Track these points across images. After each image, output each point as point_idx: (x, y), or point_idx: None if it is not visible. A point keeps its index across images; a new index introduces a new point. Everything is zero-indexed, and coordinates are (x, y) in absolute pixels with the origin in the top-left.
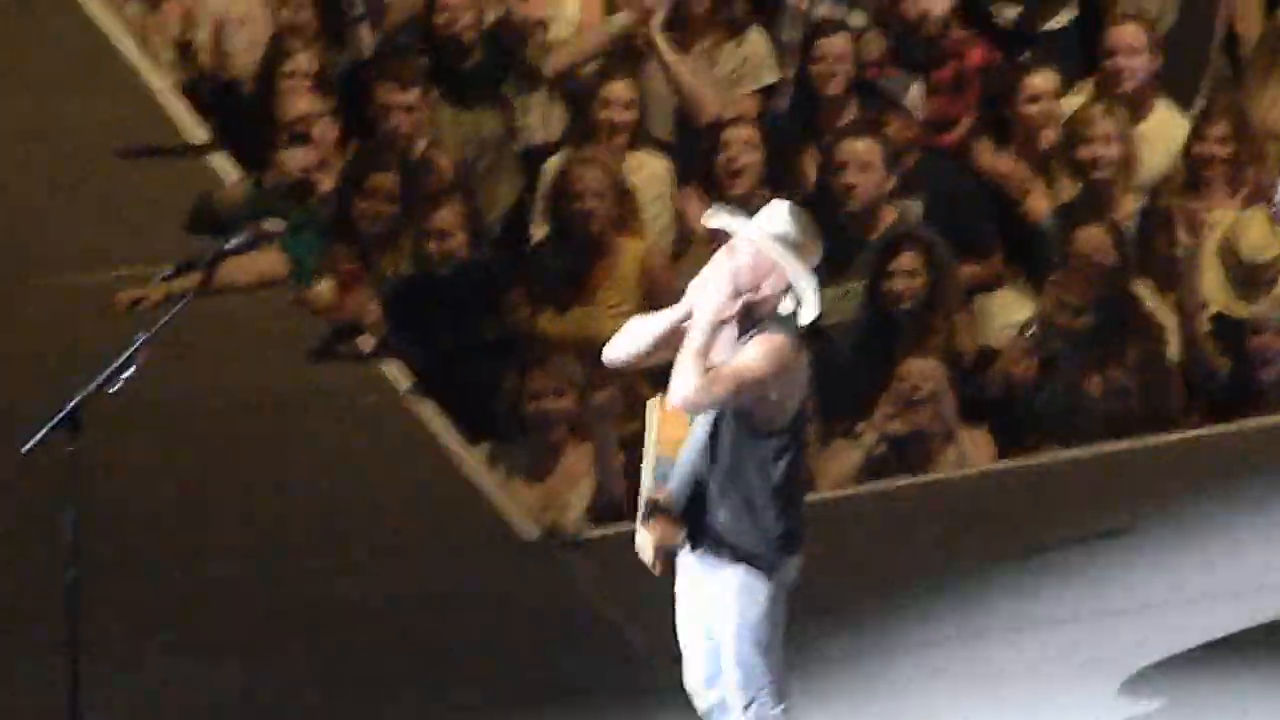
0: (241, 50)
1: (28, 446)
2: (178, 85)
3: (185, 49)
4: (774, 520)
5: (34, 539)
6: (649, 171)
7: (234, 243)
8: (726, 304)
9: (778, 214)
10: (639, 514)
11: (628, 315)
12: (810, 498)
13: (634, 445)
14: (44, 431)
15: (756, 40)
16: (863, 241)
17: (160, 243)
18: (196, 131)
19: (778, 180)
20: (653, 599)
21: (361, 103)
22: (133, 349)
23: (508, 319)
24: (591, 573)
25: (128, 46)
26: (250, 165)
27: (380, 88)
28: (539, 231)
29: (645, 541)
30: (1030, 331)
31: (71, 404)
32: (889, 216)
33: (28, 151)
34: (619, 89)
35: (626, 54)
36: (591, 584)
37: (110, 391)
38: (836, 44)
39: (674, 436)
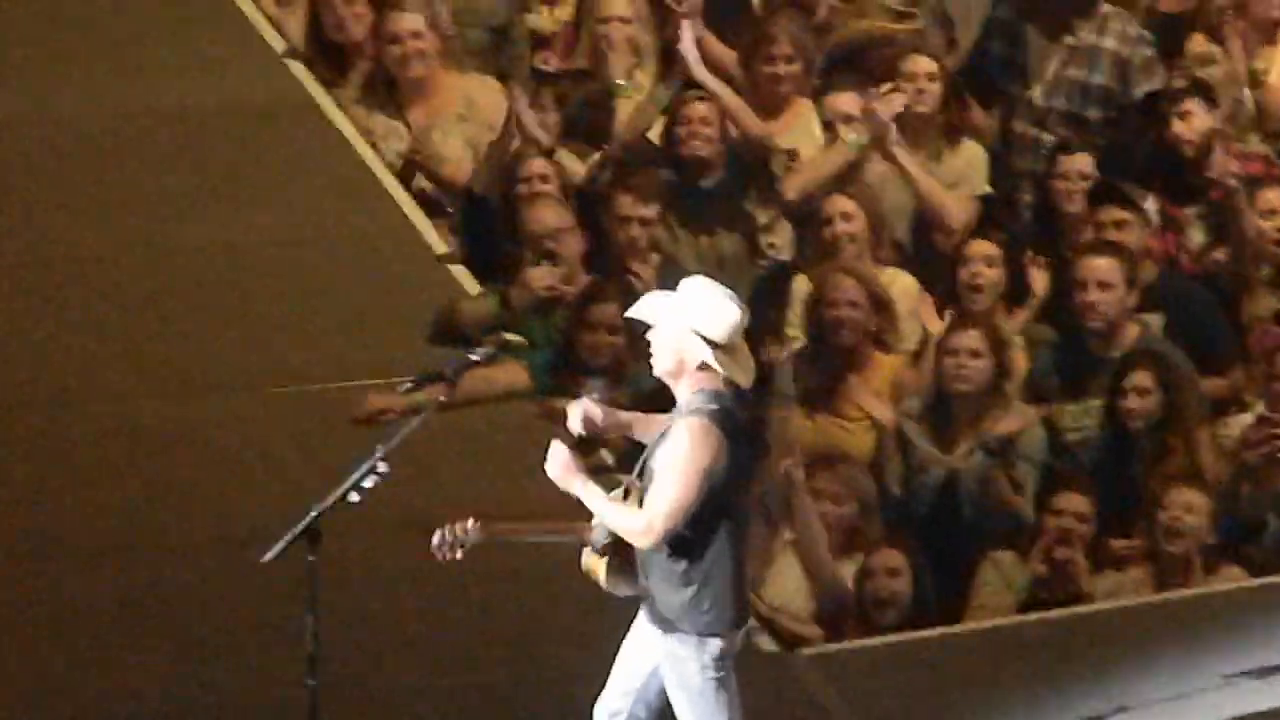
0: (484, 161)
1: (268, 557)
2: (420, 196)
3: (429, 159)
4: (692, 599)
5: (275, 648)
6: (900, 287)
7: (477, 355)
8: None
9: (692, 303)
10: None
11: (873, 429)
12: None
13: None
14: (284, 542)
15: (973, 150)
16: (1102, 358)
17: (403, 353)
18: (438, 243)
19: (1014, 295)
20: (887, 712)
21: (599, 216)
22: (372, 460)
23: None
24: (825, 684)
25: (372, 157)
26: (494, 277)
27: (620, 200)
28: (788, 346)
29: (468, 528)
30: None
31: (311, 515)
32: (1130, 333)
33: (273, 261)
34: (843, 202)
35: (851, 165)
36: (825, 695)
37: (351, 503)
38: (1079, 162)
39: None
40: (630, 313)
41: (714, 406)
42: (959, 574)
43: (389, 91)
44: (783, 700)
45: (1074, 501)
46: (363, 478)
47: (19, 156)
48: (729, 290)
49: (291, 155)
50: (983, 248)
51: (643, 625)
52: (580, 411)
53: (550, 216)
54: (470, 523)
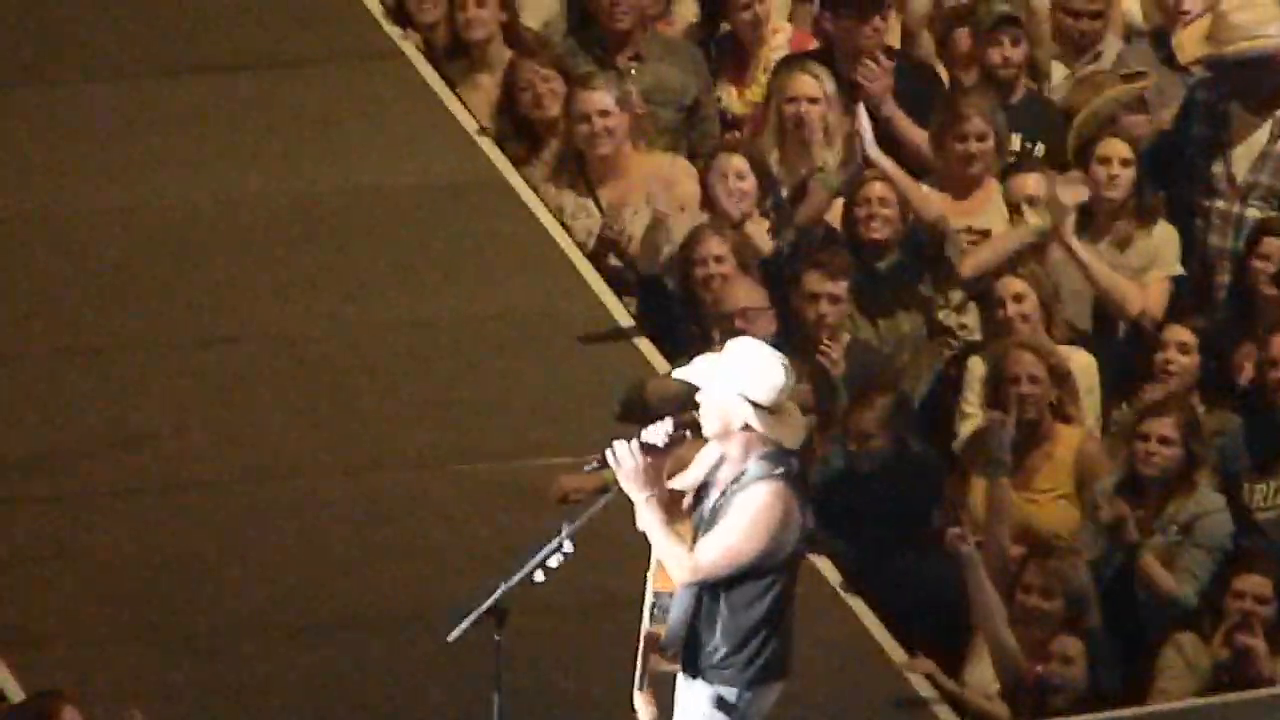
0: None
1: (453, 635)
2: (609, 273)
3: (618, 237)
4: (748, 655)
5: None
6: (1078, 364)
7: (657, 434)
8: (638, 465)
9: (738, 365)
10: (639, 659)
11: (1062, 501)
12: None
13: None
14: (469, 620)
15: (1165, 231)
16: None
17: (591, 431)
18: (627, 320)
19: (1210, 380)
20: None
21: (786, 292)
22: (558, 540)
23: (942, 515)
24: None
25: (562, 234)
26: (683, 355)
27: (808, 277)
28: (968, 425)
29: (642, 707)
30: None
31: (497, 594)
32: None
33: (462, 338)
34: (1015, 284)
35: (1027, 247)
36: None
37: (535, 582)
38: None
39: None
40: (676, 374)
41: (783, 469)
42: (1143, 655)
43: (579, 169)
44: None
45: (1254, 583)
46: (547, 557)
47: (213, 236)
48: (774, 351)
49: (482, 233)
50: (1178, 334)
51: (682, 697)
52: (664, 432)
53: (742, 295)
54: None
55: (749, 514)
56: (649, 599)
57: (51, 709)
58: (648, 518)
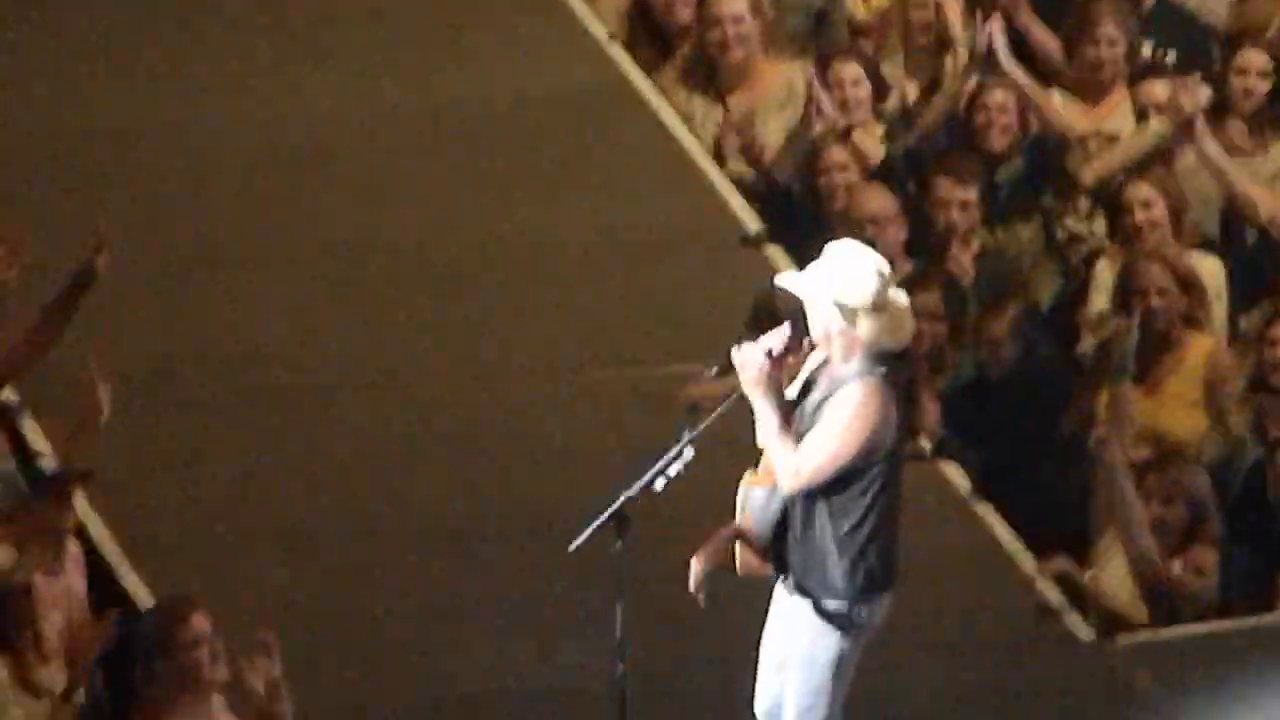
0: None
1: (575, 543)
2: (741, 181)
3: (748, 144)
4: (850, 564)
5: (584, 634)
6: (1206, 269)
7: (780, 339)
8: (762, 369)
9: (831, 270)
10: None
11: (1193, 408)
12: None
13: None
14: (590, 529)
15: None
16: None
17: (721, 338)
18: (755, 226)
19: None
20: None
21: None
22: (679, 448)
23: (1070, 422)
24: (1147, 676)
25: (692, 141)
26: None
27: (939, 182)
28: (1095, 332)
29: (695, 569)
30: None
31: (618, 501)
32: None
33: (593, 245)
34: (1143, 189)
35: (1154, 153)
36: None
37: (657, 490)
38: None
39: (770, 467)
40: (778, 280)
41: (881, 369)
42: (1272, 562)
43: (710, 75)
44: (1095, 686)
45: None
46: (669, 465)
47: (342, 146)
48: (869, 253)
49: (611, 140)
50: None
51: (779, 607)
52: (786, 337)
53: (873, 203)
54: (694, 564)
55: (846, 413)
56: (742, 495)
57: (181, 615)
58: (767, 421)
